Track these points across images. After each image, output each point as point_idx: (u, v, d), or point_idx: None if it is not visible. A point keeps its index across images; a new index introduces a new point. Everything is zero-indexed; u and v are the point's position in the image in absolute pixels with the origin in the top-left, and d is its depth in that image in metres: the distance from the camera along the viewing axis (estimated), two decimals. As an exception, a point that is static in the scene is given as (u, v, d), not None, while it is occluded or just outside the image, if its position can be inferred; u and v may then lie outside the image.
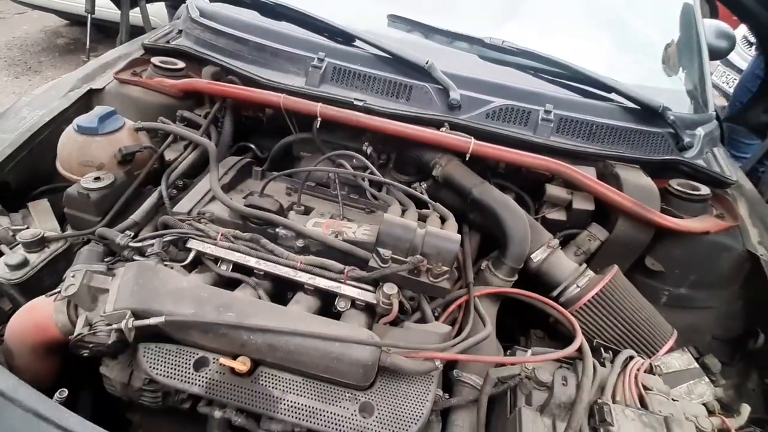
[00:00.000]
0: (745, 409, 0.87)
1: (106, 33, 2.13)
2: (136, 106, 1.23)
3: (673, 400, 0.83)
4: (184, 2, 1.67)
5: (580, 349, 0.84)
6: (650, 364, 0.86)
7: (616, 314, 0.99)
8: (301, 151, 1.37)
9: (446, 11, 1.47)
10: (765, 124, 1.47)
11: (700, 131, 1.38)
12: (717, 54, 1.93)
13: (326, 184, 1.27)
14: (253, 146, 1.41)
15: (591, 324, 1.00)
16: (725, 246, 1.12)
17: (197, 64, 1.37)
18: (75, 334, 0.75)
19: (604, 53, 1.56)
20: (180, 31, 1.51)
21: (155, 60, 1.30)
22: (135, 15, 1.89)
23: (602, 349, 0.91)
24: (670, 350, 1.02)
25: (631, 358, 0.86)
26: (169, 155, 1.20)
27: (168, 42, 1.45)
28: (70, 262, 0.95)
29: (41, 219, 1.05)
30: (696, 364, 1.02)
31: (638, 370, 0.84)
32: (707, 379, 1.00)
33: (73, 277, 0.77)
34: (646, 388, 0.82)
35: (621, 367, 0.84)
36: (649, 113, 1.30)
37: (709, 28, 1.91)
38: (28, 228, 0.92)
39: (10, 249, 0.88)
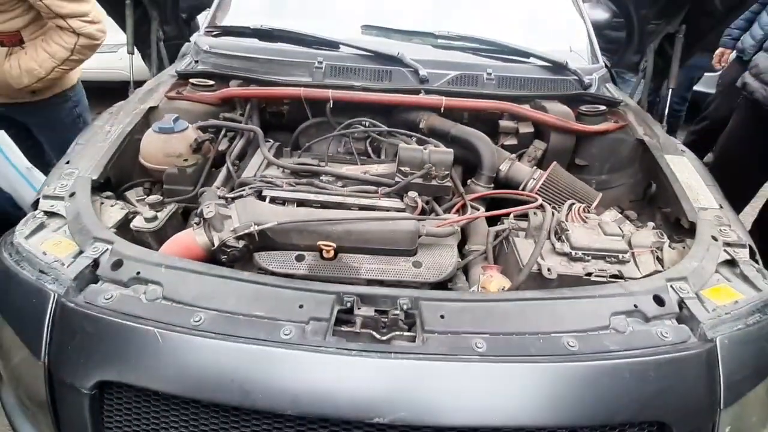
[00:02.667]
0: (650, 224, 1.35)
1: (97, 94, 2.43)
2: (186, 115, 1.58)
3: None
4: (188, 41, 2.07)
5: (541, 205, 1.30)
6: (586, 206, 1.33)
7: (560, 189, 1.47)
8: (305, 141, 1.75)
9: (402, 17, 1.97)
10: (636, 62, 2.08)
11: (595, 75, 1.94)
12: (600, 24, 2.59)
13: (340, 156, 1.68)
14: (271, 141, 1.79)
15: (546, 199, 1.46)
16: (622, 139, 1.65)
17: (220, 82, 1.76)
18: (217, 244, 1.10)
19: (525, 32, 2.11)
20: (196, 62, 1.89)
21: (193, 80, 1.68)
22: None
23: (557, 208, 1.37)
24: (600, 212, 1.50)
25: (573, 203, 1.32)
26: (220, 147, 1.57)
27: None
28: (179, 220, 1.30)
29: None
30: (620, 216, 1.51)
31: (578, 209, 1.30)
32: (629, 223, 1.49)
33: (208, 207, 1.12)
34: (586, 217, 1.29)
35: (567, 209, 1.30)
36: (558, 67, 1.84)
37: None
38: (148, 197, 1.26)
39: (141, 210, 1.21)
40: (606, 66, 2.08)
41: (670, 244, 1.24)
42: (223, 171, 1.43)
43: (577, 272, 1.09)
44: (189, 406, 0.86)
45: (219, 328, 0.87)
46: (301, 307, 0.92)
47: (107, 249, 1.02)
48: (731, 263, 1.15)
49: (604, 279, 1.09)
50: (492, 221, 1.47)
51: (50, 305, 0.92)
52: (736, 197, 1.66)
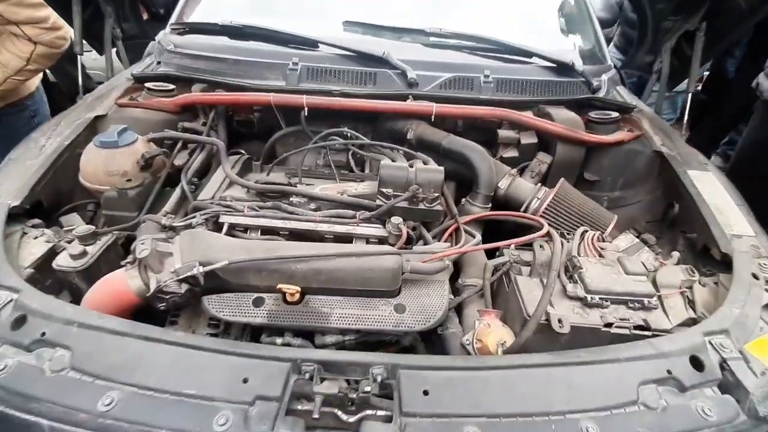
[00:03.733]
0: (675, 254, 1.15)
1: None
2: (138, 124, 1.38)
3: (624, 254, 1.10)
4: (153, 40, 1.86)
5: (548, 234, 1.10)
6: (600, 234, 1.14)
7: (569, 211, 1.27)
8: (284, 151, 1.55)
9: (390, 12, 1.76)
10: (649, 63, 1.88)
11: (604, 77, 1.74)
12: (606, 23, 2.39)
13: (315, 169, 1.48)
14: (243, 151, 1.59)
15: (553, 222, 1.26)
16: (638, 150, 1.45)
17: (183, 85, 1.55)
18: (153, 289, 0.89)
19: (526, 30, 1.91)
20: (158, 63, 1.68)
21: (149, 84, 1.47)
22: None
23: (565, 234, 1.17)
24: (614, 234, 1.30)
25: (586, 231, 1.12)
26: (177, 161, 1.36)
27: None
28: (118, 253, 1.09)
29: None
30: (638, 240, 1.32)
31: (593, 238, 1.10)
32: (648, 249, 1.30)
33: (142, 244, 0.92)
34: (601, 248, 1.09)
35: (580, 238, 1.10)
36: (563, 68, 1.64)
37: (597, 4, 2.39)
38: (78, 227, 1.05)
39: (68, 244, 1.01)
40: (615, 67, 1.88)
41: (701, 279, 1.05)
42: (177, 192, 1.23)
43: (594, 322, 0.90)
44: None
45: (134, 415, 0.67)
46: (245, 381, 0.72)
47: (10, 300, 0.82)
48: (775, 306, 0.96)
49: (627, 331, 0.89)
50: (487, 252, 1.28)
51: None
52: (759, 207, 1.50)
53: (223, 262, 0.91)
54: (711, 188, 1.28)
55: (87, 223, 1.21)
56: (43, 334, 0.77)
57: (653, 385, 0.76)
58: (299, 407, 0.72)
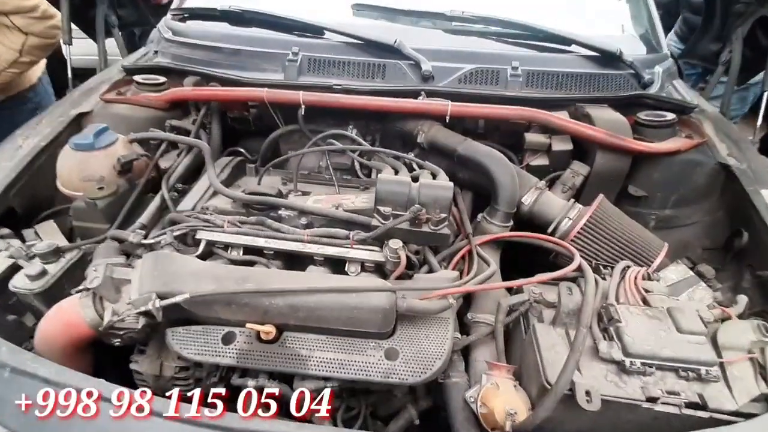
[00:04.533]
0: (742, 299, 0.93)
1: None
2: (125, 122, 1.27)
3: (675, 299, 0.88)
4: (154, 27, 1.74)
5: (579, 268, 0.90)
6: (647, 271, 0.92)
7: (608, 236, 1.05)
8: (288, 149, 1.42)
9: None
10: (715, 52, 1.58)
11: (658, 69, 1.47)
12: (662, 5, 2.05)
13: (318, 172, 1.33)
14: (242, 150, 1.45)
15: (587, 249, 1.06)
16: (698, 162, 1.20)
17: (177, 78, 1.42)
18: (105, 323, 0.78)
19: (561, 13, 1.65)
20: (156, 52, 1.56)
21: (138, 78, 1.36)
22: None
23: (601, 267, 0.96)
24: (664, 263, 1.08)
25: (628, 267, 0.92)
26: (163, 164, 1.24)
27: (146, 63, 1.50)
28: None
29: (49, 238, 1.08)
30: (692, 273, 1.08)
31: (636, 276, 0.89)
32: (704, 285, 1.06)
33: (95, 270, 0.80)
34: (646, 291, 0.88)
35: (620, 276, 0.89)
36: (608, 58, 1.39)
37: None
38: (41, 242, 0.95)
39: (28, 261, 0.91)
40: (672, 57, 1.59)
41: (778, 338, 0.82)
42: (156, 201, 1.11)
43: (633, 395, 0.70)
44: None
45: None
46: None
47: None
48: None
49: (676, 409, 0.70)
50: (508, 276, 1.09)
51: None
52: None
53: (184, 296, 0.78)
54: (793, 214, 1.03)
55: (66, 232, 1.13)
56: (-28, 378, 0.67)
57: (712, 498, 0.58)
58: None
